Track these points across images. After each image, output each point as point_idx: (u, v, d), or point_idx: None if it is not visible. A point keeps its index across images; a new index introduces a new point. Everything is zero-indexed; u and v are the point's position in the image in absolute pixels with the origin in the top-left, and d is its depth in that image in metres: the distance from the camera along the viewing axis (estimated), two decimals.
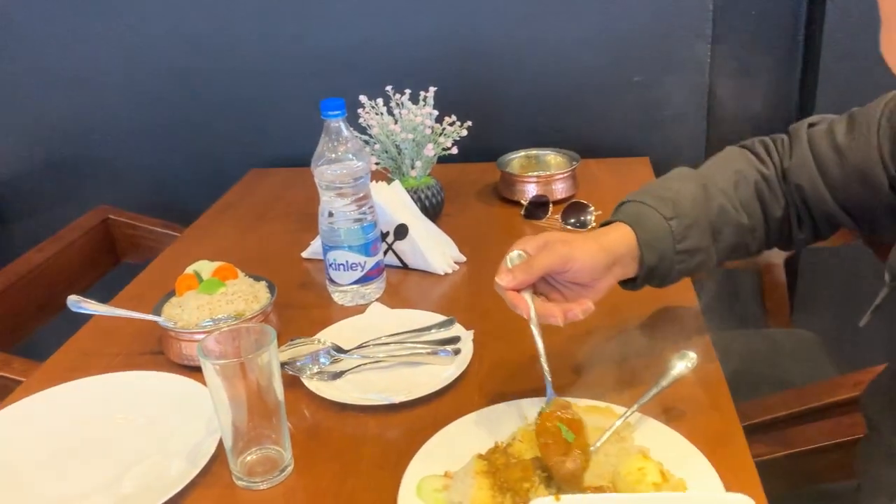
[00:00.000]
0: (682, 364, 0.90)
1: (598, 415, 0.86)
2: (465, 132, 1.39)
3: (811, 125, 0.93)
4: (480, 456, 0.79)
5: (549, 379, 0.82)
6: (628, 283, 0.92)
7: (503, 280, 0.83)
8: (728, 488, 0.76)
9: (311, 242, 1.34)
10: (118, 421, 0.96)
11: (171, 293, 1.10)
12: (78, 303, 1.03)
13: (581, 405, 0.87)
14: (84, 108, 1.87)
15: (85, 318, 1.19)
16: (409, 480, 0.80)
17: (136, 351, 1.11)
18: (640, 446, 0.81)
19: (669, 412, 0.89)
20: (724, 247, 0.92)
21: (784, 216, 0.93)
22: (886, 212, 0.86)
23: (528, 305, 0.82)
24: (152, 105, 1.85)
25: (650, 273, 0.90)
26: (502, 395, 0.93)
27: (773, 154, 0.95)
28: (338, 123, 1.10)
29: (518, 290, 0.83)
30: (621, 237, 0.88)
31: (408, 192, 1.34)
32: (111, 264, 1.73)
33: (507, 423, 0.87)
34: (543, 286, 0.87)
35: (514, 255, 0.86)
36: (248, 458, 0.86)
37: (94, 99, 1.86)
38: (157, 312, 1.07)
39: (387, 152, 1.38)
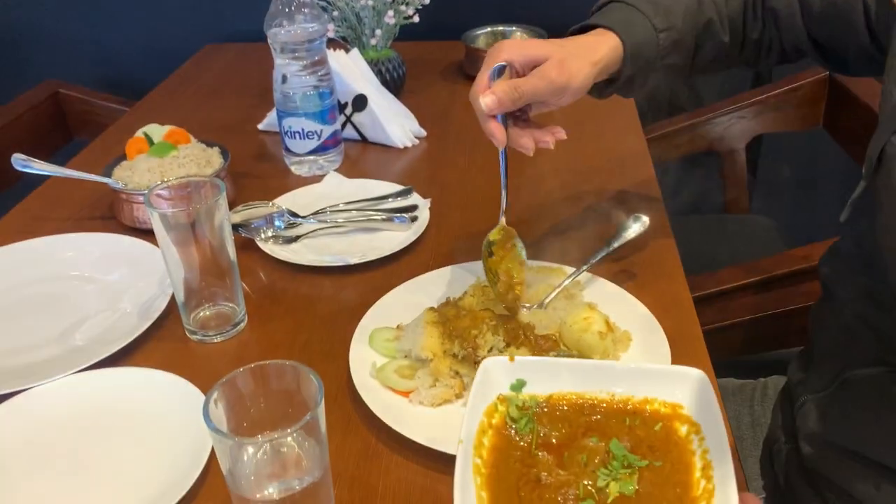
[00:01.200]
0: (635, 226, 0.91)
1: (550, 274, 0.87)
2: (427, 0, 1.34)
3: None
4: (431, 308, 0.80)
5: (504, 205, 0.81)
6: (593, 91, 0.83)
7: (486, 103, 0.74)
8: (674, 347, 0.78)
9: (268, 114, 1.31)
10: (69, 280, 0.95)
11: (122, 157, 1.08)
12: (24, 161, 1.00)
13: (533, 266, 0.88)
14: None
15: (35, 186, 1.16)
16: (361, 332, 0.81)
17: (86, 216, 1.08)
18: (588, 301, 0.83)
19: (620, 275, 0.91)
20: (700, 63, 0.86)
21: (758, 39, 0.88)
22: (859, 53, 0.82)
23: (505, 135, 0.76)
24: None
25: (625, 83, 0.82)
26: (457, 260, 0.94)
27: None
28: None
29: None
30: (611, 51, 0.78)
31: (368, 64, 1.30)
32: (63, 141, 1.67)
33: (460, 282, 0.88)
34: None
35: (498, 67, 0.76)
36: (202, 313, 0.86)
37: None
38: (108, 175, 1.04)
39: (346, 20, 1.33)
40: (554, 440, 0.61)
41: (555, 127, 0.79)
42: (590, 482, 0.57)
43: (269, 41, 1.10)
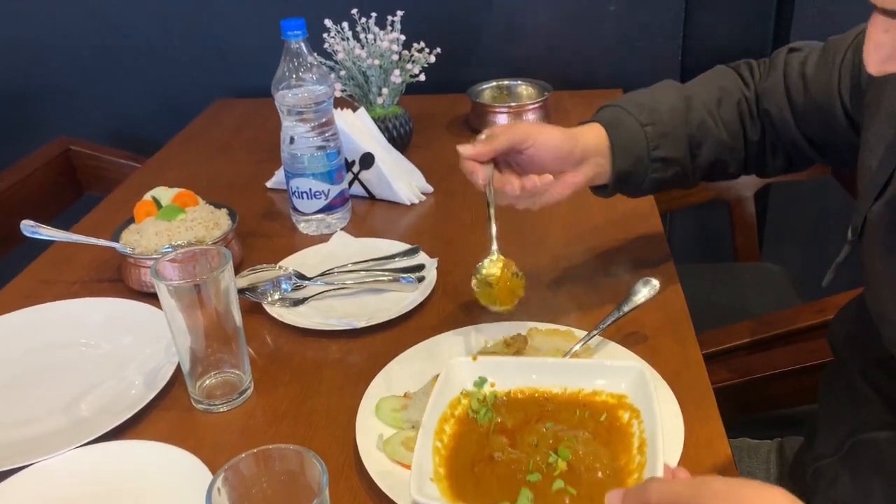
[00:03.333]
0: (645, 290, 0.90)
1: (558, 338, 0.86)
2: (433, 58, 1.36)
3: (792, 50, 0.91)
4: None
5: (494, 237, 0.85)
6: (600, 190, 0.92)
7: (464, 149, 0.83)
8: (686, 412, 0.76)
9: (276, 172, 1.32)
10: (75, 346, 0.95)
11: (130, 220, 1.08)
12: (33, 228, 1.01)
13: (542, 328, 0.87)
14: (40, 37, 1.80)
15: (44, 249, 1.17)
16: (368, 401, 0.80)
17: (94, 279, 1.09)
18: None
19: (630, 337, 0.90)
20: (704, 162, 0.91)
21: (760, 141, 0.92)
22: (850, 148, 0.83)
23: (484, 170, 0.83)
24: (112, 33, 1.78)
25: (623, 178, 0.89)
26: (464, 322, 0.93)
27: (756, 75, 0.93)
28: (298, 44, 1.07)
29: (479, 162, 0.84)
30: (593, 135, 0.87)
31: (375, 121, 1.31)
32: (73, 197, 1.69)
33: (468, 346, 0.87)
34: (508, 170, 0.87)
35: (481, 136, 0.86)
36: (207, 381, 0.85)
37: (51, 27, 1.79)
38: (116, 239, 1.04)
39: (353, 79, 1.35)
40: (509, 425, 0.68)
41: (544, 174, 0.85)
42: (540, 458, 0.64)
43: (276, 103, 1.11)
